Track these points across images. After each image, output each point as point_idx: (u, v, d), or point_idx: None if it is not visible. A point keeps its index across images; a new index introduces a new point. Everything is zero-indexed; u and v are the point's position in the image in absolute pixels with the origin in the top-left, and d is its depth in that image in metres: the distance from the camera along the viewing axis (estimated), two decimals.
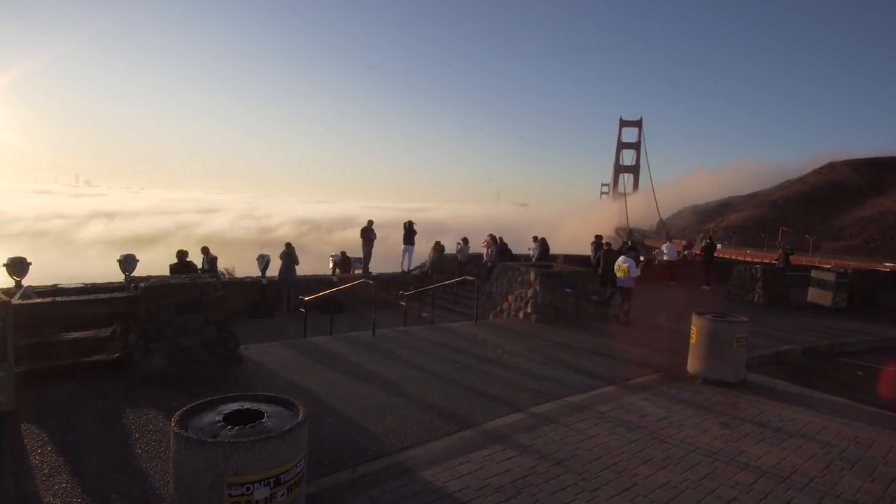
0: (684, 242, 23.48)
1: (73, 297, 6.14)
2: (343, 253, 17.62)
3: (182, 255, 11.51)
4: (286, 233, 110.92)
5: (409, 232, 17.13)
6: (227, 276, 14.50)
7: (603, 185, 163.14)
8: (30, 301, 5.79)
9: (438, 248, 16.87)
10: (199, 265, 12.87)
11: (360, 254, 17.07)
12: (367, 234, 16.47)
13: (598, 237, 16.06)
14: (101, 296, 6.24)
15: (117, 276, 11.39)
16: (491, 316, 11.55)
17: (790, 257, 20.62)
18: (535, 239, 18.69)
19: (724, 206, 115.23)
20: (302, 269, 14.56)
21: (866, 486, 4.34)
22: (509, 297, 11.41)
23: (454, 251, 17.92)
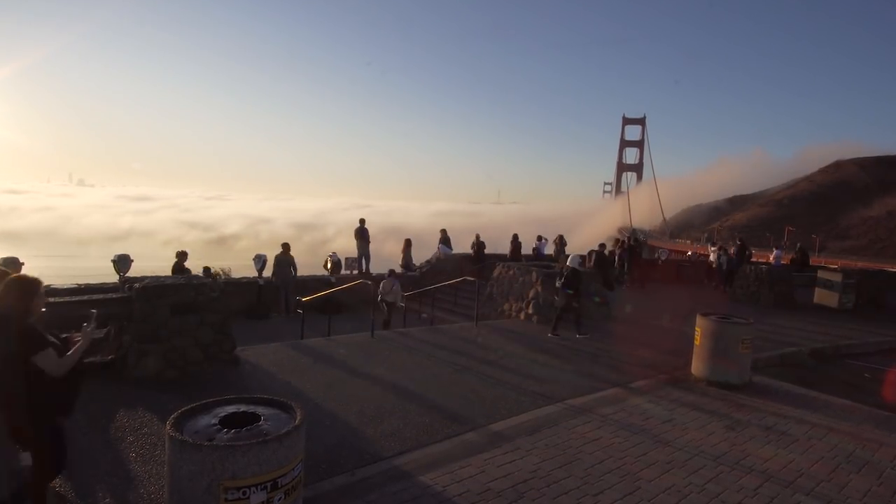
0: (688, 242, 23.40)
1: (67, 298, 6.09)
2: (334, 253, 17.45)
3: (181, 256, 11.49)
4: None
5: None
6: (223, 277, 14.35)
7: (605, 183, 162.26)
8: None
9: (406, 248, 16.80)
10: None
11: (354, 254, 16.84)
12: (362, 233, 16.39)
13: (602, 245, 16.30)
14: (95, 297, 6.19)
15: None
16: (492, 317, 11.45)
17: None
18: (540, 238, 18.70)
19: (730, 206, 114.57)
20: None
21: (874, 490, 4.26)
22: (510, 298, 11.32)
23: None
